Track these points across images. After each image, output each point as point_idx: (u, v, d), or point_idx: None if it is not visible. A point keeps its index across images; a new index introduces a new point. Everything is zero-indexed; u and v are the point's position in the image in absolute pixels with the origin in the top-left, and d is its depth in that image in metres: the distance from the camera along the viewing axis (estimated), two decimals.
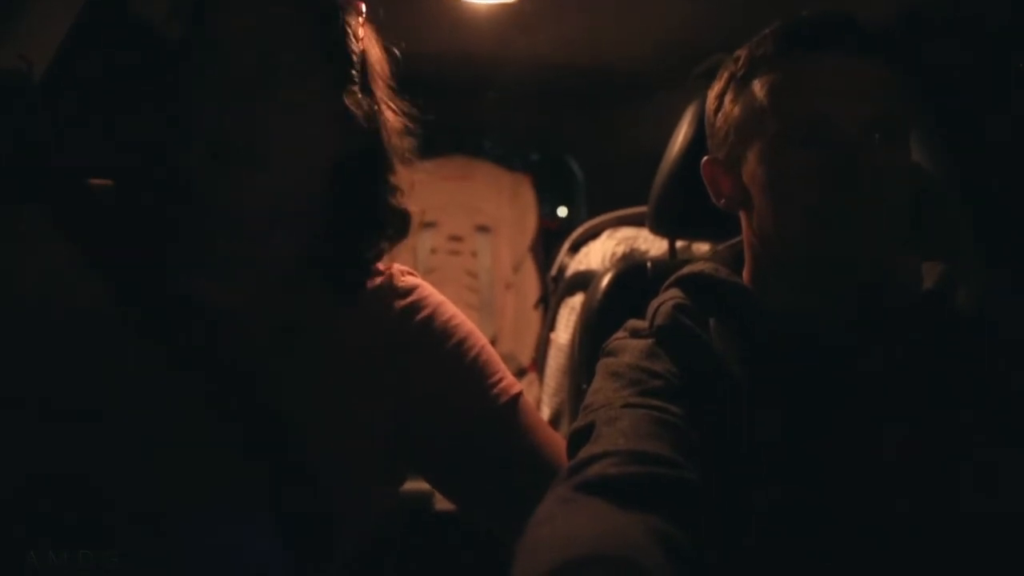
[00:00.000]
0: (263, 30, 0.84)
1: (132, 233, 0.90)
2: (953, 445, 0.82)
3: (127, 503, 0.78)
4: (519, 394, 0.99)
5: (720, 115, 0.94)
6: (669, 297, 0.94)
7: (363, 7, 0.93)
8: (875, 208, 0.82)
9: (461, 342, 0.98)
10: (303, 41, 0.86)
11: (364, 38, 0.92)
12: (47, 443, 0.80)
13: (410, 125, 0.98)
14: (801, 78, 0.85)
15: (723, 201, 0.97)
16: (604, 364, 0.92)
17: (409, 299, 0.98)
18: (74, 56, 1.25)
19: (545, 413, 1.97)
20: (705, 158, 0.98)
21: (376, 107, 0.92)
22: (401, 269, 1.02)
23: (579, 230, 2.21)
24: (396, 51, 0.98)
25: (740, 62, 0.91)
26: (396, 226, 0.97)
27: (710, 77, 1.01)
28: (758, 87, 0.88)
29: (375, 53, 0.94)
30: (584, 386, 1.40)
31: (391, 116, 0.95)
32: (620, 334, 0.96)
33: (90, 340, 0.85)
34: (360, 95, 0.90)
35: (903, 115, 0.85)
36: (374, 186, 0.95)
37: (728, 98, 0.93)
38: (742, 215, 0.96)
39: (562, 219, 3.79)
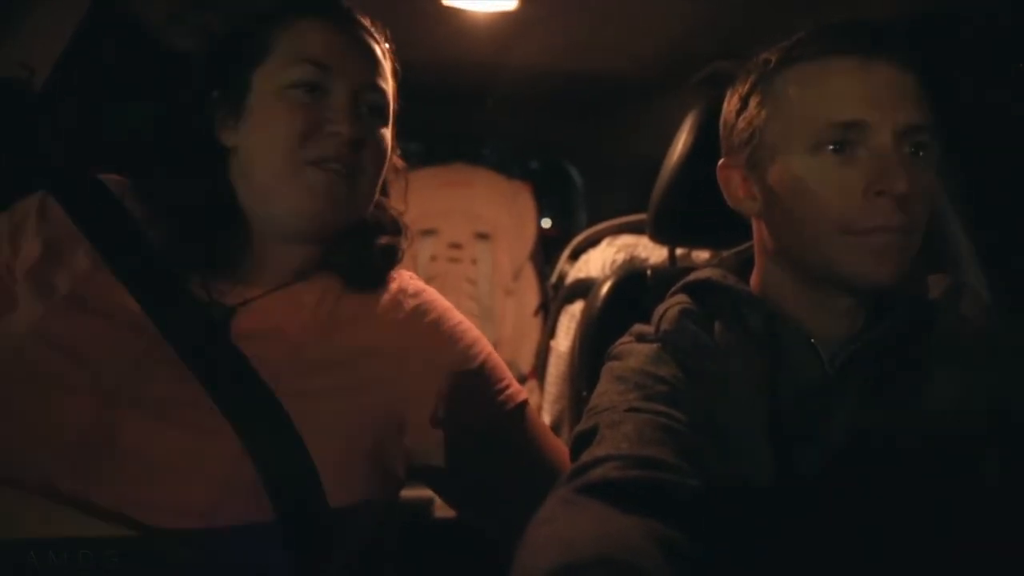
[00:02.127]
0: (367, 66, 0.96)
1: (144, 227, 0.92)
2: (956, 453, 0.82)
3: (126, 499, 0.78)
4: (525, 401, 0.99)
5: (743, 118, 0.92)
6: (676, 302, 0.94)
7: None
8: (903, 218, 0.81)
9: (469, 347, 0.98)
10: (387, 82, 0.99)
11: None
12: (49, 431, 0.80)
13: (404, 164, 1.10)
14: (839, 83, 0.83)
15: (739, 206, 0.95)
16: (609, 368, 0.91)
17: (418, 301, 0.99)
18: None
19: (546, 420, 1.96)
20: (721, 161, 0.96)
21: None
22: (409, 274, 1.04)
23: (579, 237, 2.21)
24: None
25: (772, 64, 0.89)
26: (395, 230, 1.05)
27: (710, 84, 1.01)
28: (792, 90, 0.86)
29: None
30: (585, 393, 1.40)
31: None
32: (626, 338, 0.96)
33: (95, 331, 0.86)
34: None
35: (931, 130, 0.84)
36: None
37: (754, 100, 0.90)
38: (756, 221, 0.94)
39: (560, 227, 3.78)
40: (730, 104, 0.95)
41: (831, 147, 0.82)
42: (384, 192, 1.06)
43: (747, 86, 0.92)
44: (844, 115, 0.82)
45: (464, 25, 1.89)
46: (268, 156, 0.91)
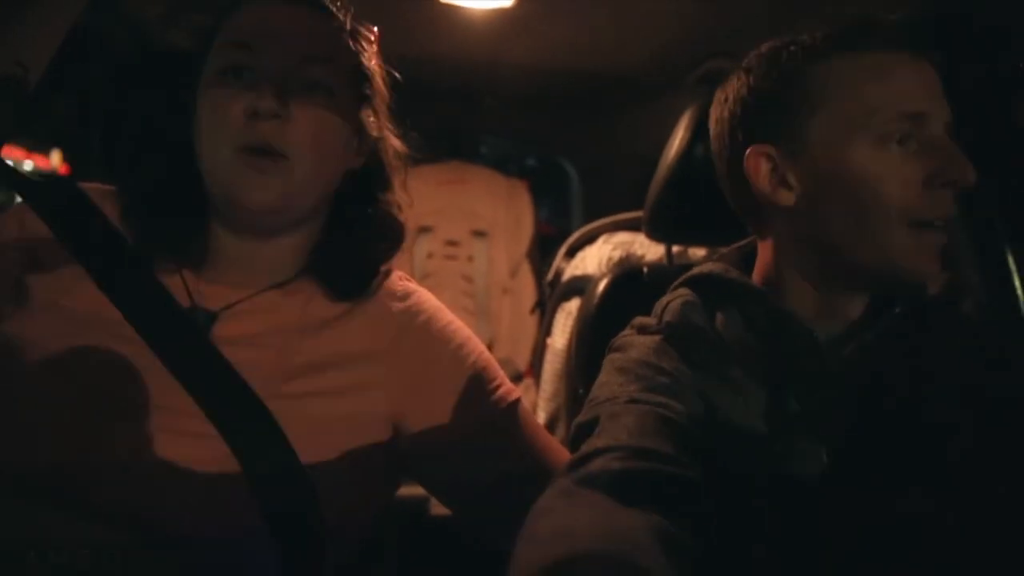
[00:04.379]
0: (300, 40, 0.91)
1: (127, 235, 0.92)
2: (953, 451, 0.83)
3: (117, 506, 0.78)
4: (517, 400, 0.99)
5: (778, 104, 0.88)
6: (679, 295, 0.94)
7: (375, 32, 1.00)
8: (957, 210, 0.83)
9: (459, 347, 0.98)
10: (332, 56, 0.93)
11: (375, 62, 0.99)
12: (39, 441, 0.80)
13: (406, 149, 1.05)
14: (902, 76, 0.84)
15: (768, 194, 0.90)
16: (611, 359, 0.91)
17: (407, 303, 0.99)
18: (81, 58, 1.26)
19: (541, 418, 1.96)
20: (751, 148, 0.90)
21: (381, 127, 1.00)
22: (399, 274, 1.03)
23: (575, 235, 2.21)
24: (396, 75, 1.04)
25: (816, 50, 0.86)
26: (392, 237, 1.02)
27: (706, 82, 1.00)
28: (848, 80, 0.85)
29: (381, 77, 1.00)
30: (581, 390, 1.40)
31: (391, 137, 1.02)
32: (627, 331, 0.96)
33: (79, 341, 0.85)
34: (371, 115, 0.98)
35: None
36: (373, 200, 1.01)
37: (794, 87, 0.87)
38: (787, 210, 0.90)
39: (556, 224, 3.77)
40: (758, 88, 0.90)
41: (895, 138, 0.83)
42: (386, 183, 1.03)
43: (779, 72, 0.88)
44: (911, 107, 0.82)
45: (461, 22, 1.89)
46: (205, 146, 0.90)
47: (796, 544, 0.80)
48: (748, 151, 0.91)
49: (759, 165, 0.90)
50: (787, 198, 0.89)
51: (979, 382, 0.87)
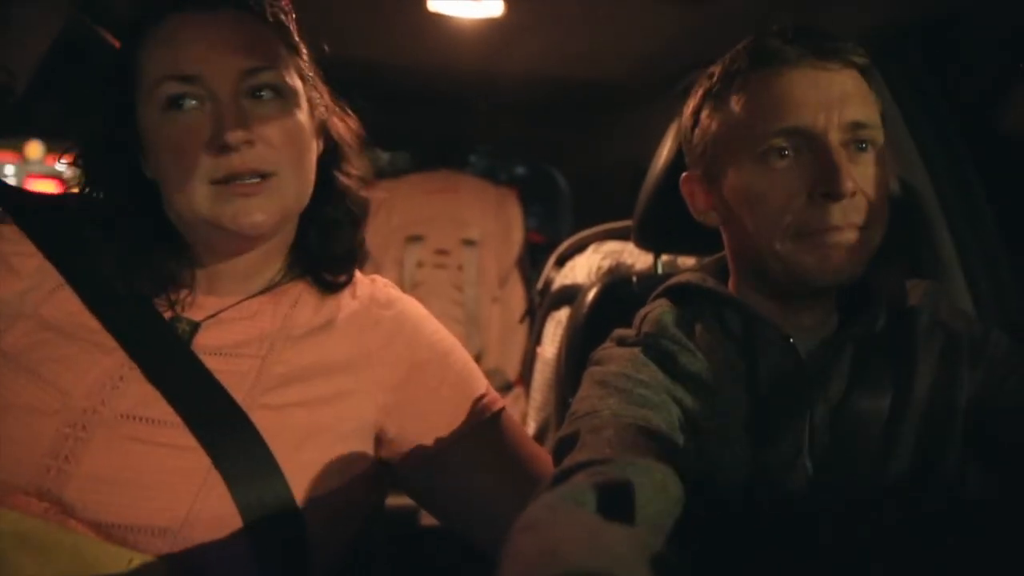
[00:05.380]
0: (236, 53, 0.85)
1: (104, 243, 0.90)
2: (929, 452, 0.83)
3: (98, 516, 0.78)
4: (502, 409, 0.99)
5: (697, 131, 0.94)
6: (657, 306, 0.95)
7: (287, 5, 0.94)
8: (854, 217, 0.83)
9: (444, 356, 0.98)
10: (270, 55, 0.88)
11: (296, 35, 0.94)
12: (19, 450, 0.79)
13: (353, 123, 1.00)
14: (776, 91, 0.84)
15: (703, 217, 0.97)
16: (591, 373, 0.92)
17: (392, 311, 0.98)
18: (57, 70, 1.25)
19: (531, 427, 1.96)
20: (684, 174, 0.98)
21: (324, 101, 0.96)
22: (384, 282, 1.02)
23: (565, 244, 2.21)
24: (325, 47, 0.98)
25: (715, 78, 0.91)
26: (360, 212, 0.98)
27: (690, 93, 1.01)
28: (735, 102, 0.88)
29: (305, 47, 0.95)
30: (570, 400, 1.39)
31: (335, 108, 0.98)
32: (607, 343, 0.97)
33: (59, 352, 0.85)
34: (316, 93, 0.94)
35: (878, 125, 0.86)
36: (336, 180, 0.97)
37: (705, 114, 0.93)
38: (723, 230, 0.96)
39: (546, 233, 3.77)
40: (685, 119, 0.97)
41: (777, 153, 0.84)
42: (342, 160, 0.98)
43: (697, 100, 0.94)
44: (785, 122, 0.83)
45: (450, 32, 1.90)
46: (174, 185, 0.84)
47: (782, 550, 0.80)
48: (682, 178, 0.98)
49: (691, 190, 0.97)
50: (715, 220, 0.95)
51: (958, 382, 0.87)
